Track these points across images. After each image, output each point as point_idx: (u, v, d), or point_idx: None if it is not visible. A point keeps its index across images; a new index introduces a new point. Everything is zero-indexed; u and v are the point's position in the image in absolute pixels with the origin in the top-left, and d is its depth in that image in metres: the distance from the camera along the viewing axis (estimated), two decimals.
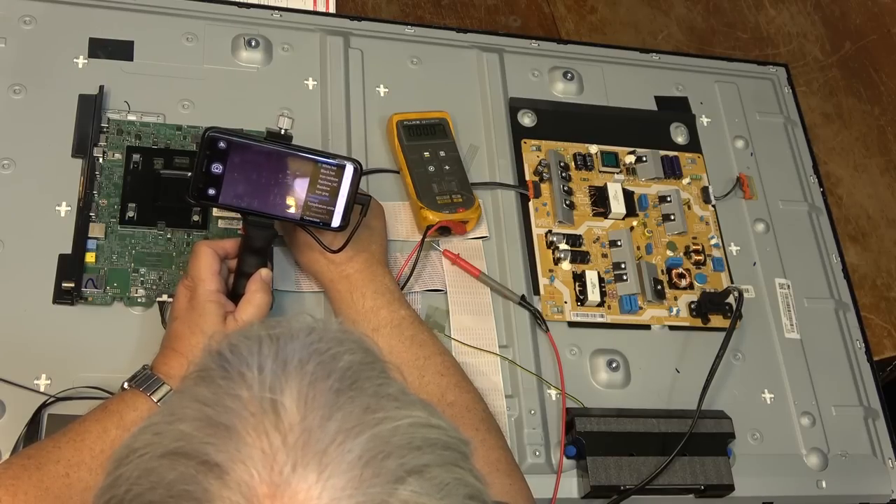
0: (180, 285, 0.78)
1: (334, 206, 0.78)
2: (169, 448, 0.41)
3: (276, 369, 0.43)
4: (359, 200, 0.79)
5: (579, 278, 0.95)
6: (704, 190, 1.04)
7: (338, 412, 0.42)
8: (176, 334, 0.76)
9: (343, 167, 0.77)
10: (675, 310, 0.96)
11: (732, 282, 1.00)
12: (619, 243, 0.97)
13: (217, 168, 0.75)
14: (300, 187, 0.77)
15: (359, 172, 0.77)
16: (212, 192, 0.76)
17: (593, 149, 1.03)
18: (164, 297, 0.84)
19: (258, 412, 0.41)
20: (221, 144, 0.75)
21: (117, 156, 0.89)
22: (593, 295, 0.94)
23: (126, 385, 0.73)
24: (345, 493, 0.39)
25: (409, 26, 1.07)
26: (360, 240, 0.82)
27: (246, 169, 0.76)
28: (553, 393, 0.89)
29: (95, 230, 0.85)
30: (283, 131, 0.77)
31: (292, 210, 0.77)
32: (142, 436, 0.43)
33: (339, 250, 0.80)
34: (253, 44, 0.98)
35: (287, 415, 0.41)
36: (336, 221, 0.78)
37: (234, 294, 0.79)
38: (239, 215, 0.84)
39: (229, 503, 0.39)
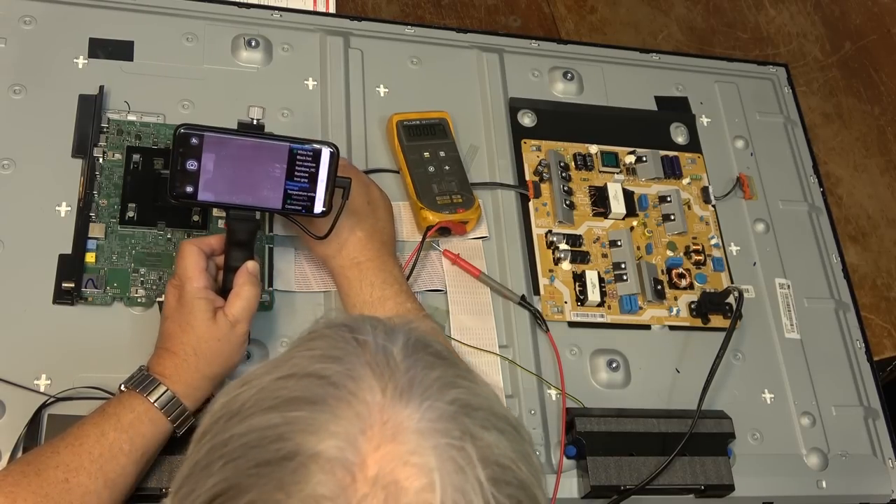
0: (168, 285, 0.78)
1: (315, 192, 0.77)
2: (285, 372, 0.47)
3: (386, 338, 0.49)
4: (339, 184, 0.77)
5: (579, 278, 0.95)
6: (704, 190, 1.04)
7: (436, 370, 0.48)
8: (168, 334, 0.76)
9: (319, 152, 0.76)
10: (675, 310, 0.96)
11: (732, 282, 1.00)
12: (619, 243, 0.97)
13: (192, 165, 0.74)
14: (278, 176, 0.75)
15: (336, 156, 0.76)
16: (189, 189, 0.75)
17: (593, 149, 1.03)
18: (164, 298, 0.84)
19: (374, 353, 0.48)
20: (194, 140, 0.74)
21: (117, 156, 0.89)
22: (593, 295, 0.94)
23: (122, 387, 0.73)
24: (438, 425, 0.45)
25: (409, 26, 1.07)
26: (371, 226, 0.83)
27: (221, 162, 0.75)
28: (553, 393, 0.89)
29: (95, 230, 0.85)
30: (254, 121, 0.76)
31: (272, 200, 0.76)
32: (255, 371, 0.48)
33: (325, 236, 0.80)
34: (253, 44, 0.98)
35: (396, 362, 0.48)
36: (318, 207, 0.77)
37: (225, 290, 0.79)
38: None
39: (345, 404, 0.45)
